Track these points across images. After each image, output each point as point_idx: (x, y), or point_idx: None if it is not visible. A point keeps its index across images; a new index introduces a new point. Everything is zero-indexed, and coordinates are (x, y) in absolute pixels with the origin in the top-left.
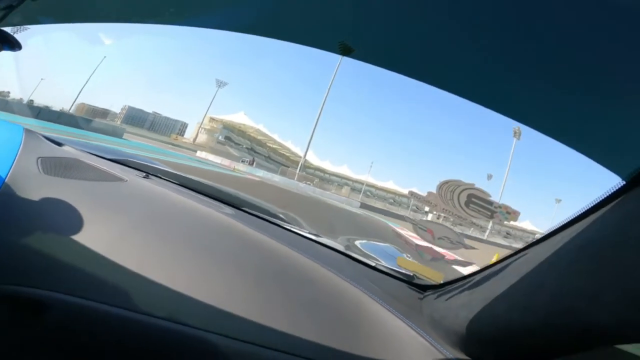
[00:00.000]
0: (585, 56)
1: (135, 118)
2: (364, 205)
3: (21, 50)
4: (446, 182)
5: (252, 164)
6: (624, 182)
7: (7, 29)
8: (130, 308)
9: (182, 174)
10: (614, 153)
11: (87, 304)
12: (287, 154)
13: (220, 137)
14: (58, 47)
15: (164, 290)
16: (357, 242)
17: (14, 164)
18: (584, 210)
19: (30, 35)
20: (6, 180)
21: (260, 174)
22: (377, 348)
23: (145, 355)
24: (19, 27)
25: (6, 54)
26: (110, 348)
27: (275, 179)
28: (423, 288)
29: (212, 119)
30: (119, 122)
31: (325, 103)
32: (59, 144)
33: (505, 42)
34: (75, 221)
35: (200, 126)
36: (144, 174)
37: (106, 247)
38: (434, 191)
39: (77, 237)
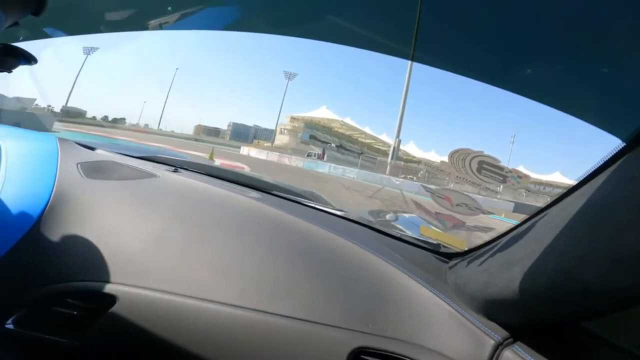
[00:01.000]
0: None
1: (240, 132)
2: (518, 208)
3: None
4: (456, 151)
5: (323, 157)
6: (624, 144)
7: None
8: (186, 294)
9: (207, 164)
10: (610, 114)
11: (149, 295)
12: (384, 149)
13: (304, 137)
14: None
15: (211, 275)
16: (381, 215)
17: (57, 172)
18: (591, 171)
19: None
20: (55, 187)
21: (324, 169)
22: (404, 316)
23: (200, 336)
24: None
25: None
26: (172, 330)
27: (350, 174)
28: (448, 256)
29: (293, 119)
30: (227, 139)
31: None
32: (92, 148)
33: None
34: (124, 219)
35: (276, 126)
36: (173, 168)
37: (154, 240)
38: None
39: (129, 233)
